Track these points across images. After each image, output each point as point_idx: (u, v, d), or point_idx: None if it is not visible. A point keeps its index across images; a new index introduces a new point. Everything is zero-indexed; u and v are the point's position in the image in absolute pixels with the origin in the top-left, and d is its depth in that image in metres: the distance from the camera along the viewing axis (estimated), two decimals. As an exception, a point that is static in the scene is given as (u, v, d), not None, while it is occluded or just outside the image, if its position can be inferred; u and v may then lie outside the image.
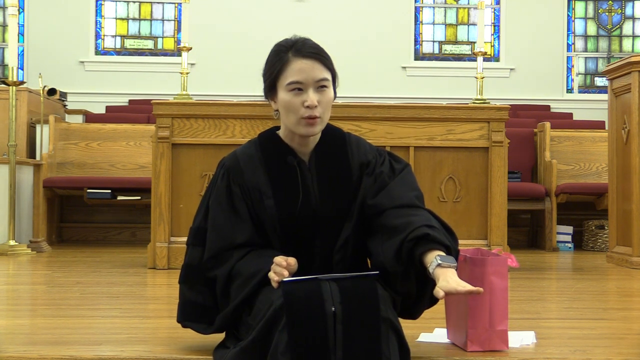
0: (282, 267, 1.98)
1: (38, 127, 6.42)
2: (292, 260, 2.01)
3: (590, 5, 9.48)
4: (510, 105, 4.87)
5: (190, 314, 2.19)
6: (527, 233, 6.64)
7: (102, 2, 9.16)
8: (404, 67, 9.16)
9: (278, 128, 2.22)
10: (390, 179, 2.16)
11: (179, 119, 4.56)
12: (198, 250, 2.17)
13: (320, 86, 2.08)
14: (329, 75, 2.10)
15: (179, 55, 6.52)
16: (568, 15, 9.38)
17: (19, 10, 6.38)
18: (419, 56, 9.32)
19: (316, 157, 2.17)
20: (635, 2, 9.50)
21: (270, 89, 2.13)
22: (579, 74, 9.42)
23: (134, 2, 9.24)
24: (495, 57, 9.30)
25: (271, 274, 2.00)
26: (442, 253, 1.98)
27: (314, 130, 2.10)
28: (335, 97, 2.15)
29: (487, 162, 4.55)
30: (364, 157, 2.19)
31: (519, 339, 2.40)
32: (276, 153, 2.16)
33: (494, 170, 4.53)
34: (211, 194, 2.19)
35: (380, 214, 2.10)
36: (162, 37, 9.25)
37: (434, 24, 9.41)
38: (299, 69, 2.07)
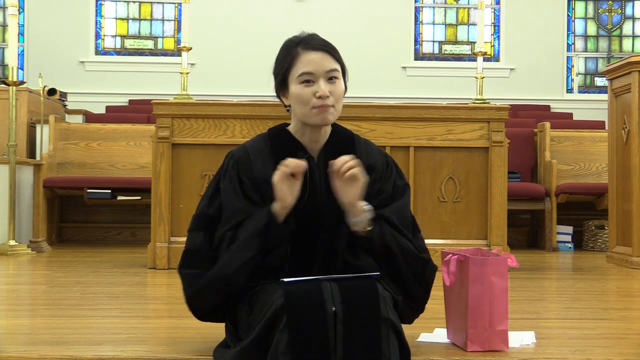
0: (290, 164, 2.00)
1: (38, 127, 6.42)
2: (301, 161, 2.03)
3: (590, 5, 9.48)
4: (510, 105, 4.87)
5: (198, 281, 2.12)
6: (527, 233, 6.64)
7: (102, 2, 9.16)
8: (404, 67, 9.16)
9: (287, 124, 2.23)
10: (391, 201, 2.19)
11: (179, 119, 4.56)
12: (199, 235, 2.14)
13: (330, 77, 2.10)
14: (338, 67, 2.12)
15: (179, 55, 6.52)
16: (568, 15, 9.38)
17: (19, 10, 6.38)
18: (419, 56, 9.32)
19: (325, 154, 2.18)
20: (635, 2, 9.50)
21: (281, 84, 2.15)
22: (579, 74, 9.42)
23: (134, 2, 9.24)
24: (495, 57, 9.30)
25: (281, 168, 2.01)
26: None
27: (327, 118, 2.11)
28: (346, 90, 2.16)
29: (487, 162, 4.55)
30: (372, 160, 2.20)
31: (519, 339, 2.40)
32: (286, 148, 2.17)
33: (494, 170, 4.53)
34: (220, 181, 2.17)
35: None
36: (162, 37, 9.25)
37: (434, 24, 9.41)
38: (309, 60, 2.09)
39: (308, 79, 2.09)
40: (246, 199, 2.13)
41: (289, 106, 2.16)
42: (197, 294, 2.11)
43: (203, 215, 2.16)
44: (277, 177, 2.02)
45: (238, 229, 2.09)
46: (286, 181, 2.02)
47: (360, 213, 2.07)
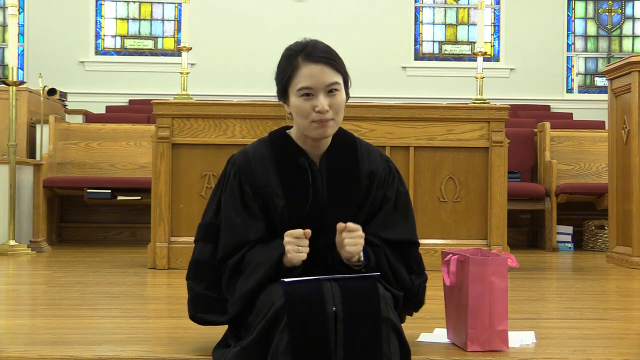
0: (301, 239, 2.00)
1: (38, 127, 6.42)
2: (307, 231, 2.02)
3: (590, 5, 9.48)
4: (510, 105, 4.87)
5: (201, 306, 2.15)
6: (527, 233, 6.64)
7: (102, 2, 9.16)
8: (404, 67, 9.16)
9: (288, 128, 2.23)
10: (394, 211, 2.20)
11: (179, 119, 4.56)
12: (208, 247, 2.16)
13: (330, 90, 2.08)
14: (339, 79, 2.10)
15: (179, 55, 6.52)
16: (568, 15, 9.38)
17: (19, 10, 6.38)
18: (419, 56, 9.32)
19: (327, 159, 2.18)
20: (635, 2, 9.50)
21: (283, 93, 2.15)
22: (579, 74, 9.42)
23: (134, 2, 9.24)
24: (495, 57, 9.30)
25: (291, 252, 2.01)
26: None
27: (326, 132, 2.10)
28: (348, 98, 2.15)
29: (487, 162, 4.55)
30: (374, 166, 2.21)
31: (519, 339, 2.40)
32: (287, 153, 2.17)
33: (494, 170, 4.53)
34: (222, 191, 2.18)
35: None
36: (162, 37, 9.25)
37: (434, 24, 9.41)
38: (309, 74, 2.07)
39: (308, 93, 2.08)
40: (245, 211, 2.13)
41: (291, 113, 2.16)
42: (200, 319, 2.17)
43: (211, 227, 2.17)
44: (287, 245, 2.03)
45: (243, 260, 2.09)
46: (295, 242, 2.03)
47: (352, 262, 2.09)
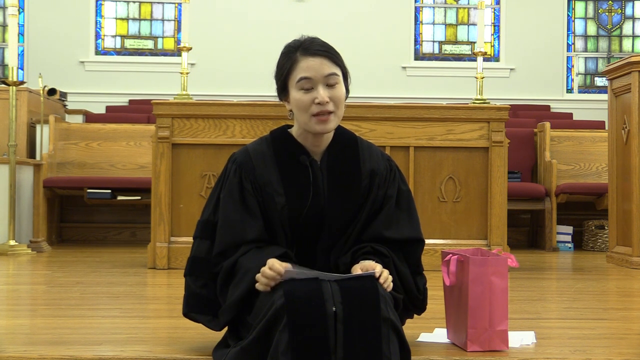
0: (269, 278, 1.97)
1: (38, 127, 6.42)
2: (282, 270, 1.98)
3: (590, 5, 9.48)
4: (510, 105, 4.87)
5: (195, 305, 2.17)
6: (527, 233, 6.64)
7: (102, 2, 9.16)
8: (404, 67, 9.16)
9: (290, 126, 2.23)
10: (398, 209, 2.21)
11: (179, 119, 4.56)
12: (205, 243, 2.17)
13: (329, 82, 2.09)
14: (338, 71, 2.11)
15: (179, 55, 6.52)
16: (568, 15, 9.38)
17: (19, 10, 6.38)
18: (419, 56, 9.32)
19: (328, 157, 2.18)
20: (635, 2, 9.50)
21: (282, 89, 2.15)
22: (579, 74, 9.42)
23: (134, 2, 9.24)
24: (495, 57, 9.30)
25: (259, 279, 1.99)
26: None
27: (327, 126, 2.11)
28: (348, 93, 2.15)
29: (487, 162, 4.55)
30: (375, 164, 2.21)
31: (519, 339, 2.40)
32: (288, 151, 2.17)
33: (494, 170, 4.53)
34: (222, 188, 2.18)
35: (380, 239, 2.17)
36: (162, 37, 9.25)
37: (434, 24, 9.41)
38: (307, 66, 2.08)
39: (307, 86, 2.08)
40: (244, 208, 2.13)
41: (291, 111, 2.16)
42: (192, 318, 2.20)
43: (209, 223, 2.18)
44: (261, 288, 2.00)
45: (236, 264, 2.09)
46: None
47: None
